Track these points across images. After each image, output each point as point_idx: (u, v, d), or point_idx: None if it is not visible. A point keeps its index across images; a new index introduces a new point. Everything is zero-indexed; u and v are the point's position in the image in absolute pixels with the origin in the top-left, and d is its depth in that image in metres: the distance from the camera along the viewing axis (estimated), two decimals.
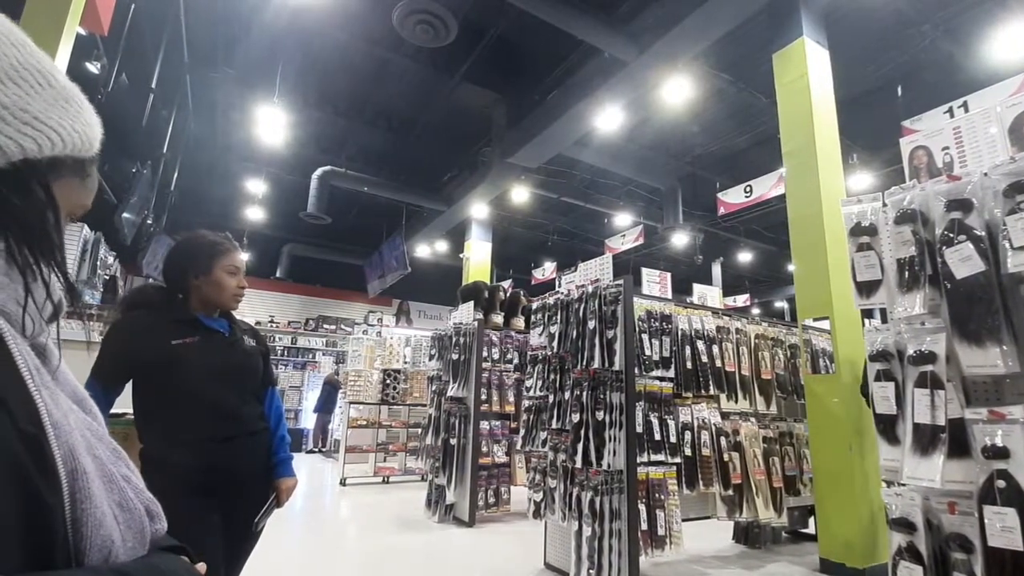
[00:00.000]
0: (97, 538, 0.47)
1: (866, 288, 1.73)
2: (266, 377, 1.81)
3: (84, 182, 0.60)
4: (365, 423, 6.88)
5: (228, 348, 1.66)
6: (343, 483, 6.49)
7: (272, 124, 6.78)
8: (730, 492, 3.32)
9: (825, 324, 3.84)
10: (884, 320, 1.78)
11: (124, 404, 1.63)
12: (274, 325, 13.10)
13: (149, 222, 7.12)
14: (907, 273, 1.59)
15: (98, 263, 6.06)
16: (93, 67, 4.60)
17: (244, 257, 1.75)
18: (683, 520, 3.08)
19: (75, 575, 0.45)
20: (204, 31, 6.01)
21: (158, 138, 6.79)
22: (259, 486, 1.69)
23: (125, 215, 5.96)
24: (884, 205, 1.72)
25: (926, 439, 1.44)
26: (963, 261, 1.43)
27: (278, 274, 13.11)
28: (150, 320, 1.58)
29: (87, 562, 0.46)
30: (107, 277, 6.36)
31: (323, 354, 12.76)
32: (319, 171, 8.43)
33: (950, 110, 4.26)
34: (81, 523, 0.46)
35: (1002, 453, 1.27)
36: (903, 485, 1.53)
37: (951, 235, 1.47)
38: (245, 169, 9.15)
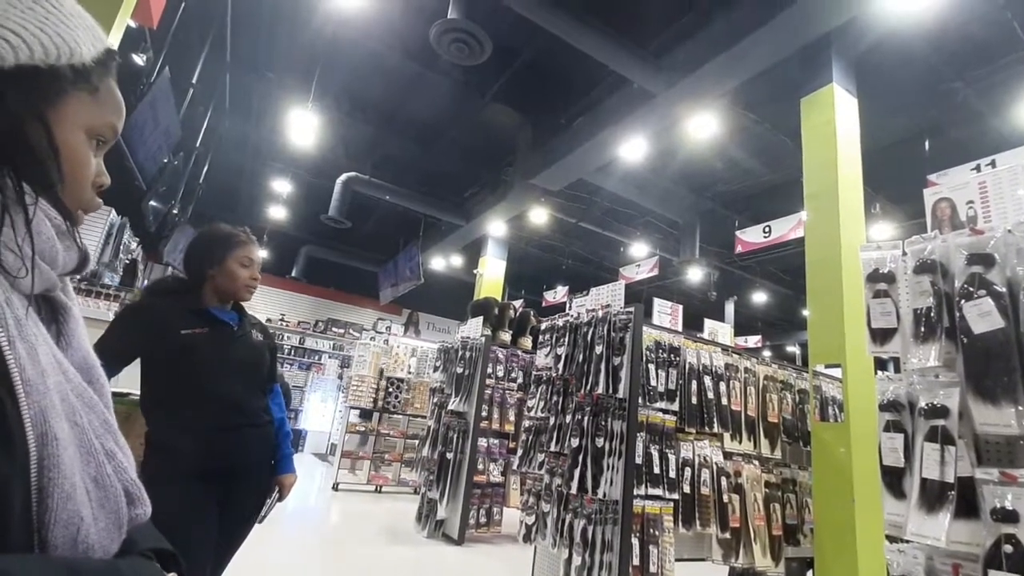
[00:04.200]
0: (63, 512, 0.42)
1: (880, 335, 1.71)
2: (271, 373, 1.83)
3: (96, 96, 0.55)
4: (364, 429, 6.85)
5: (236, 341, 1.70)
6: (335, 488, 6.44)
7: (303, 128, 6.95)
8: (727, 535, 3.23)
9: (836, 372, 3.77)
10: (897, 370, 1.74)
11: (128, 384, 1.65)
12: (284, 324, 13.20)
13: (175, 212, 7.28)
14: (923, 324, 1.56)
15: (121, 247, 6.21)
16: (139, 59, 4.78)
17: (262, 253, 1.79)
18: (676, 559, 3.00)
19: (18, 561, 0.40)
20: (248, 34, 6.22)
21: (193, 132, 6.99)
22: (259, 477, 1.71)
23: (152, 203, 6.11)
24: (904, 253, 1.70)
25: (933, 496, 1.40)
26: (982, 316, 1.41)
27: (293, 273, 13.26)
28: (163, 308, 1.62)
29: (51, 538, 0.42)
30: (128, 261, 6.50)
31: (329, 357, 12.80)
32: (344, 176, 8.59)
33: (977, 167, 4.23)
34: (47, 493, 0.41)
35: (1011, 517, 1.23)
36: (906, 542, 1.48)
37: (971, 289, 1.45)
38: (272, 169, 9.36)
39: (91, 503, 0.46)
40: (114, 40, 3.02)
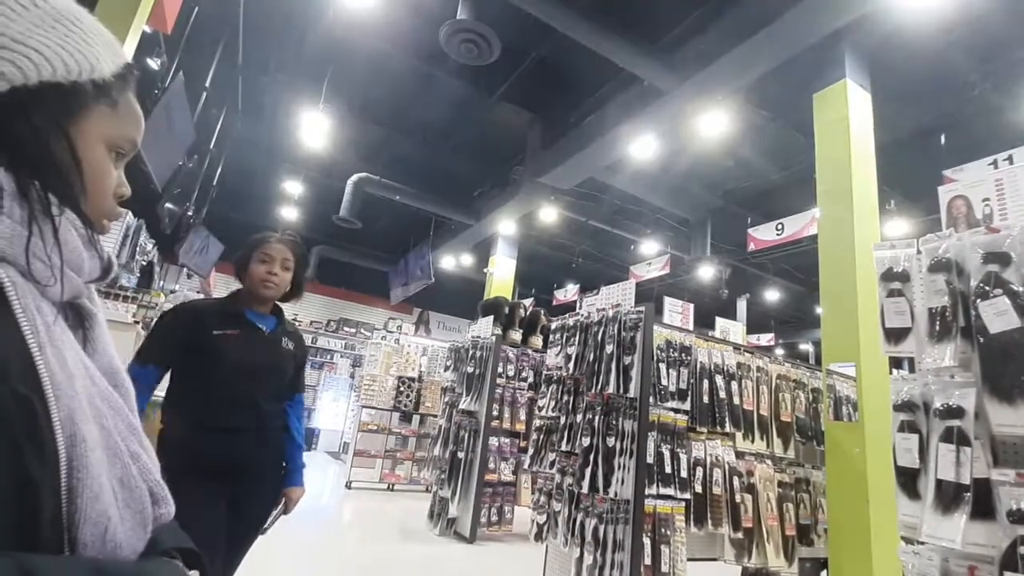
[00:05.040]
0: (92, 512, 0.44)
1: (895, 335, 1.69)
2: (294, 383, 1.85)
3: (116, 110, 0.56)
4: (376, 428, 6.91)
5: (263, 345, 1.72)
6: (348, 486, 6.50)
7: (315, 129, 7.01)
8: (740, 535, 3.21)
9: (850, 370, 3.73)
10: (912, 370, 1.72)
11: None
12: (297, 323, 13.31)
13: (189, 214, 7.39)
14: (938, 323, 1.54)
15: (137, 249, 6.30)
16: (153, 63, 4.86)
17: (288, 253, 1.82)
18: (688, 559, 2.99)
19: (50, 561, 0.41)
20: (260, 38, 6.29)
21: (206, 134, 7.08)
22: (267, 482, 1.73)
23: (168, 205, 6.20)
24: (918, 252, 1.68)
25: (948, 497, 1.39)
26: (998, 315, 1.39)
27: (306, 274, 13.35)
28: (201, 308, 1.69)
29: (80, 536, 0.43)
30: (144, 263, 6.60)
31: (341, 356, 12.90)
32: (355, 177, 8.64)
33: (995, 162, 4.15)
34: (76, 494, 0.43)
35: None
36: (921, 543, 1.47)
37: (987, 288, 1.43)
38: (285, 170, 9.45)
39: (118, 503, 0.48)
40: (130, 45, 3.07)
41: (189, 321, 1.63)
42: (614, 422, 2.95)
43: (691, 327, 3.51)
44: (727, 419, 3.29)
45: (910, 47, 4.92)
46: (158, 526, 0.54)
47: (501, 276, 10.01)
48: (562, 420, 3.34)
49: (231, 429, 1.59)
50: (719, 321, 3.83)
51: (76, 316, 0.55)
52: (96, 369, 0.53)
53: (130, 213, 6.38)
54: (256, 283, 1.72)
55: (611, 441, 2.92)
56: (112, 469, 0.48)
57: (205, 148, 7.24)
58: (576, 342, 3.41)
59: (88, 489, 0.44)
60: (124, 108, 0.57)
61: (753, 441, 3.46)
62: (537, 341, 5.54)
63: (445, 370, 5.89)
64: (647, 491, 2.87)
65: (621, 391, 2.99)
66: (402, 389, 7.13)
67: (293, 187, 9.72)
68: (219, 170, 8.41)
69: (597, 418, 3.01)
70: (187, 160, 6.27)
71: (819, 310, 4.27)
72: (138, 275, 6.22)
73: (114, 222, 0.61)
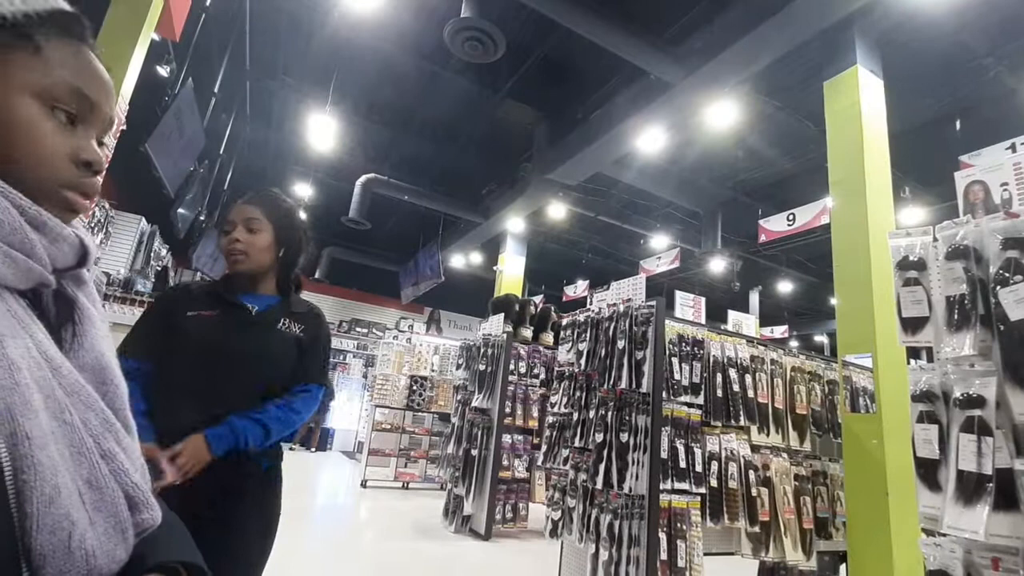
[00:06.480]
0: (48, 517, 0.39)
1: (912, 325, 1.66)
2: (300, 371, 1.47)
3: (40, 55, 0.48)
4: (389, 427, 6.95)
5: (245, 328, 1.39)
6: (363, 485, 6.55)
7: (323, 132, 7.05)
8: (756, 529, 3.19)
9: (867, 361, 3.68)
10: (930, 359, 1.69)
11: None
12: None
13: (202, 218, 7.47)
14: (957, 312, 1.52)
15: (152, 254, 6.40)
16: (163, 70, 4.91)
17: (252, 212, 1.48)
18: (705, 554, 2.98)
19: None
20: (266, 42, 6.33)
21: (217, 139, 7.15)
22: (238, 502, 1.37)
23: (180, 210, 6.28)
24: (935, 240, 1.66)
25: (970, 488, 1.36)
26: (1019, 302, 1.36)
27: (316, 275, 13.48)
28: (183, 292, 1.46)
29: (35, 545, 0.38)
30: (159, 268, 6.71)
31: (354, 356, 12.99)
32: (363, 178, 8.69)
33: (1012, 146, 4.06)
34: (24, 498, 0.38)
35: None
36: (943, 535, 1.45)
37: (1007, 274, 1.40)
38: (294, 173, 9.52)
39: (86, 506, 0.43)
40: (140, 53, 3.10)
41: (167, 304, 1.40)
42: (627, 417, 2.93)
43: (703, 321, 3.48)
44: (741, 413, 3.26)
45: (922, 31, 4.83)
46: (153, 535, 0.49)
47: (511, 273, 10.01)
48: (575, 416, 3.34)
49: (184, 433, 1.24)
50: (731, 314, 3.79)
51: (66, 309, 0.51)
52: (64, 361, 0.47)
53: (144, 219, 6.49)
54: (225, 257, 1.43)
55: (624, 436, 2.91)
56: (77, 469, 0.43)
57: (215, 153, 7.32)
58: (587, 338, 3.40)
59: (38, 492, 0.39)
60: (55, 54, 0.49)
61: (768, 434, 3.43)
62: (548, 338, 5.54)
63: (457, 368, 5.91)
64: (662, 486, 2.85)
65: (634, 386, 2.97)
66: (415, 388, 7.17)
67: (302, 189, 9.80)
68: (230, 174, 8.50)
69: (610, 414, 3.01)
70: (198, 165, 6.35)
71: (834, 301, 4.22)
72: (153, 280, 6.31)
73: (90, 200, 0.52)
